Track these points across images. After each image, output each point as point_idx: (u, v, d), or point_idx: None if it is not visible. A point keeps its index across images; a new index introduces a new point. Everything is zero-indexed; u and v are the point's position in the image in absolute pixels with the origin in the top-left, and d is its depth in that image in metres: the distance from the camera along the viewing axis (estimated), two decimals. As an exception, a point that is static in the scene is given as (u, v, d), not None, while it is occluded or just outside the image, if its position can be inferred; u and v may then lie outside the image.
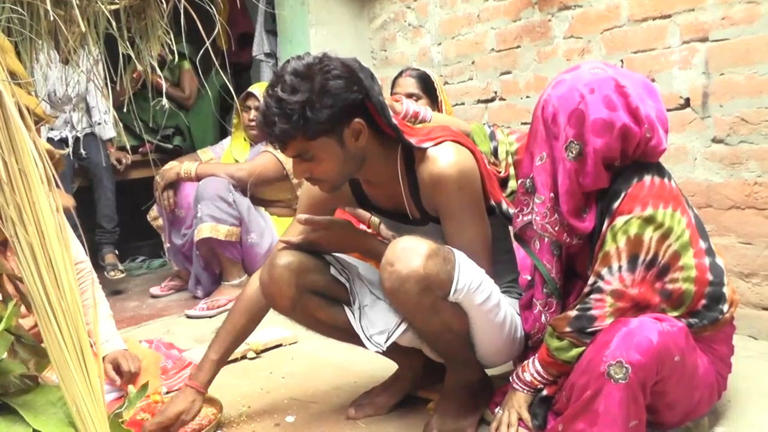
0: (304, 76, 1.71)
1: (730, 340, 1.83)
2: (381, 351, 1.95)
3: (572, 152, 1.70)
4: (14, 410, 1.10)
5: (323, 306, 2.00)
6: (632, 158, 1.71)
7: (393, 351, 2.11)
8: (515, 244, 2.06)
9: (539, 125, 1.78)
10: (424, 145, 1.84)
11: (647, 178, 1.70)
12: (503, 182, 2.03)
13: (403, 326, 1.90)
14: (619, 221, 1.68)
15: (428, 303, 1.75)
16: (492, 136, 2.08)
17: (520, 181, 1.88)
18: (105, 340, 2.37)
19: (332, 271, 2.00)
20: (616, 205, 1.69)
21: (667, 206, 1.67)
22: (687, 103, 2.55)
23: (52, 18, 1.23)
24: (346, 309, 2.00)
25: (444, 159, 1.82)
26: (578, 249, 1.83)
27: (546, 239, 1.83)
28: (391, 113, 1.85)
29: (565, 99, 1.71)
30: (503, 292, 1.97)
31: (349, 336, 2.02)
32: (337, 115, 1.73)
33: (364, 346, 1.97)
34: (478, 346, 1.93)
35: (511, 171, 2.04)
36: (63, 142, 4.20)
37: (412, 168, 1.88)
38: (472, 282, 1.78)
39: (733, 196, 2.45)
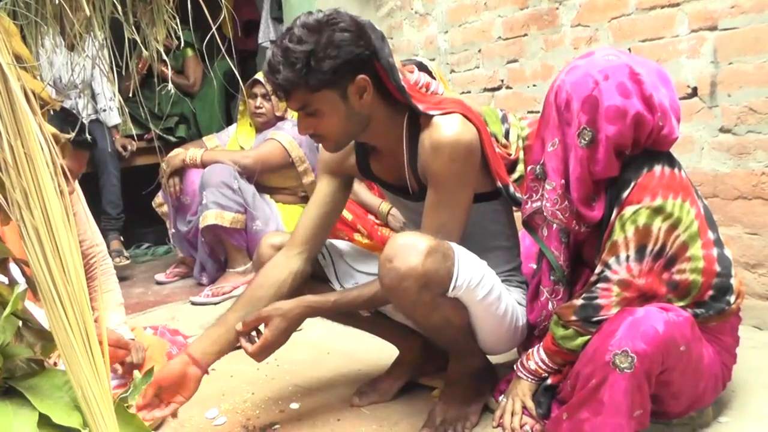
0: (312, 29, 1.70)
1: (736, 331, 1.83)
2: (369, 313, 2.02)
3: (585, 139, 1.69)
4: (20, 394, 1.10)
5: (309, 283, 2.05)
6: (643, 146, 1.71)
7: (391, 333, 2.14)
8: (521, 232, 2.06)
9: (552, 111, 1.77)
10: (432, 112, 1.82)
11: (657, 168, 1.69)
12: (512, 165, 2.02)
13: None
14: (628, 211, 1.67)
15: (427, 299, 1.74)
16: (504, 119, 2.07)
17: (530, 168, 1.87)
18: (112, 329, 2.37)
19: None
20: (625, 194, 1.69)
21: (676, 197, 1.67)
22: (694, 92, 2.53)
23: (57, 2, 1.22)
24: (331, 285, 2.08)
25: (446, 128, 1.79)
26: (586, 237, 1.83)
27: (554, 226, 1.83)
28: (401, 76, 1.83)
29: (579, 85, 1.70)
30: (503, 281, 1.97)
31: (338, 313, 2.06)
32: (341, 68, 1.71)
33: (350, 323, 2.13)
34: (479, 337, 1.94)
35: (521, 155, 2.03)
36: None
37: (416, 136, 1.85)
38: (472, 278, 1.77)
39: (740, 186, 2.44)
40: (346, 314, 2.07)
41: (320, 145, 1.92)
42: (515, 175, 2.01)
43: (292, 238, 2.06)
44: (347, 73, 1.74)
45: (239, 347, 2.66)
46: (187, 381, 1.83)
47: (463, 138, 1.79)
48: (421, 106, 1.83)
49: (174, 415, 1.84)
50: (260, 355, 1.88)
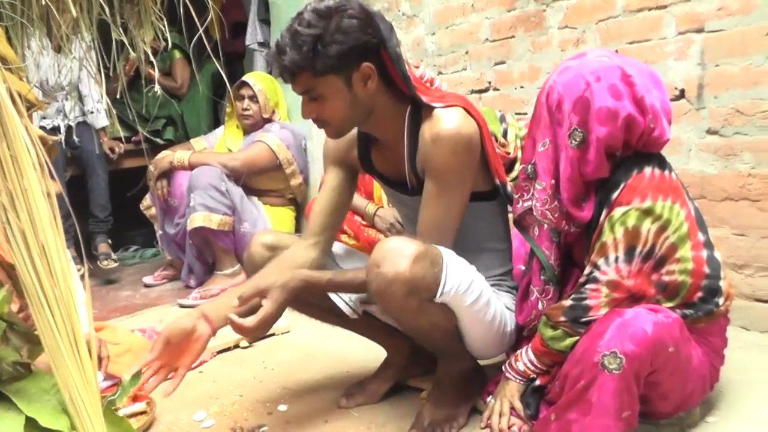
0: (322, 14, 1.71)
1: (725, 332, 1.83)
2: (357, 315, 1.99)
3: (575, 140, 1.70)
4: (7, 398, 1.09)
5: None
6: (634, 148, 1.71)
7: (379, 334, 2.14)
8: (512, 232, 2.06)
9: (543, 111, 1.78)
10: (434, 104, 1.82)
11: (647, 170, 1.69)
12: (510, 164, 2.03)
13: None
14: (618, 212, 1.67)
15: (414, 305, 1.74)
16: (502, 119, 2.08)
17: (521, 167, 1.87)
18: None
19: None
20: (615, 195, 1.69)
21: (666, 198, 1.67)
22: (682, 94, 2.55)
23: (44, 3, 1.22)
24: None
25: (447, 120, 1.79)
26: (576, 238, 1.83)
27: (545, 226, 1.83)
28: (407, 67, 1.84)
29: (571, 86, 1.70)
30: (493, 285, 1.97)
31: (327, 313, 2.06)
32: (347, 54, 1.72)
33: (339, 323, 2.11)
34: (467, 341, 1.93)
35: (519, 154, 2.04)
36: (55, 131, 4.19)
37: (418, 129, 1.85)
38: (460, 284, 1.76)
39: (727, 187, 2.45)
40: (335, 313, 2.05)
41: (325, 137, 1.93)
42: (513, 174, 2.01)
43: (308, 229, 2.08)
44: (353, 60, 1.74)
45: (229, 349, 2.66)
46: (195, 339, 1.81)
47: (463, 131, 1.79)
48: (424, 98, 1.83)
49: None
50: (257, 329, 1.80)
